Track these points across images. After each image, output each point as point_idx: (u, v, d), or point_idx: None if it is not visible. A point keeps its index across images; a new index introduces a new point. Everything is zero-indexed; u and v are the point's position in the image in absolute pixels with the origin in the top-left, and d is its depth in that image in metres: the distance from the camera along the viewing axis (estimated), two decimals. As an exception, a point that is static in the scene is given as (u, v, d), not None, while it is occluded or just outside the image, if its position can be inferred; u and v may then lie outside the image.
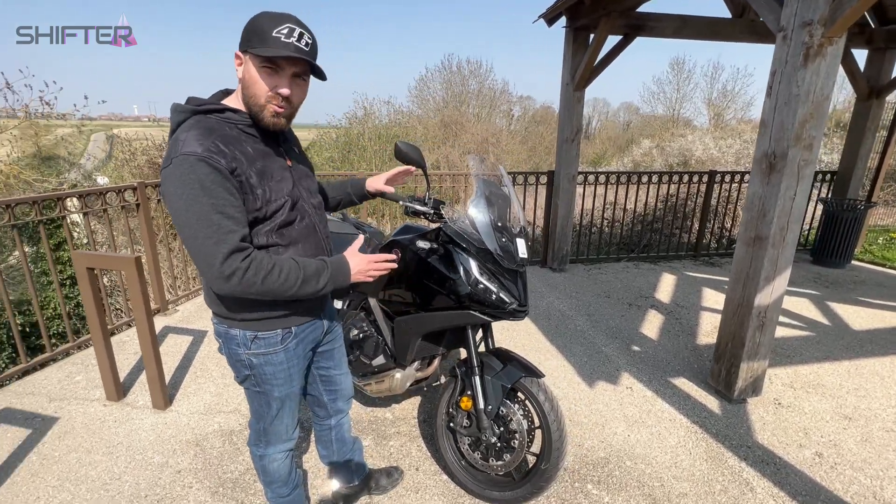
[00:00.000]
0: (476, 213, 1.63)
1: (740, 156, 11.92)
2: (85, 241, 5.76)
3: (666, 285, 4.45)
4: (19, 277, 6.20)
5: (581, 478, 1.99)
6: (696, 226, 5.43)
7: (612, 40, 4.18)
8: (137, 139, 8.73)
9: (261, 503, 1.82)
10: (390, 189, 1.67)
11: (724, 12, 4.50)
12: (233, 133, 1.11)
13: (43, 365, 2.82)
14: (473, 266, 1.64)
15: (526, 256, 1.68)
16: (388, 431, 2.26)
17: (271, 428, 1.40)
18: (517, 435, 1.73)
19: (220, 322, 1.25)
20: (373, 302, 2.09)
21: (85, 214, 3.00)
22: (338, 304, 2.26)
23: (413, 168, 1.64)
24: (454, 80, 21.11)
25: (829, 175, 5.38)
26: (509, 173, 4.70)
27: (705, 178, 5.14)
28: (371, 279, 1.29)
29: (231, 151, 1.07)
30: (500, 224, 1.66)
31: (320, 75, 1.15)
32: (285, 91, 1.10)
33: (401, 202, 1.72)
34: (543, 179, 4.78)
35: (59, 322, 5.36)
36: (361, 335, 2.09)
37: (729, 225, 5.99)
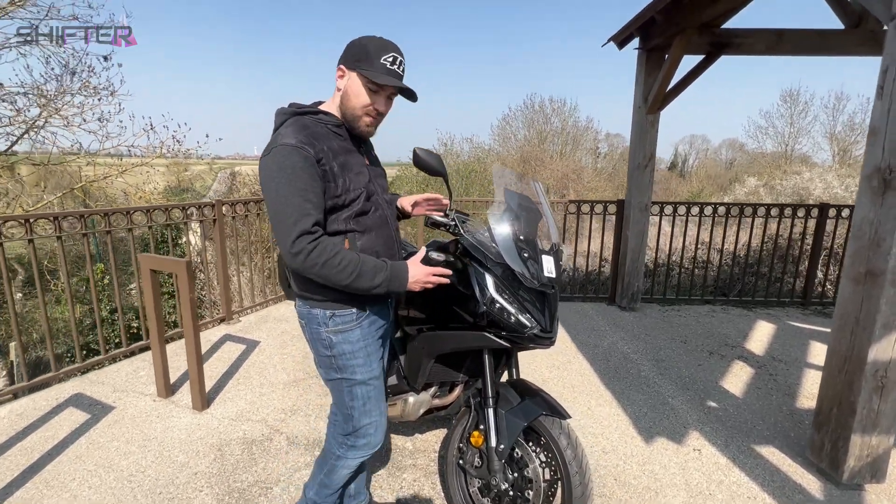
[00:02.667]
0: (495, 225, 1.49)
1: (871, 194, 10.12)
2: (196, 253, 6.63)
3: (761, 335, 3.76)
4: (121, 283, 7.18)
5: (618, 552, 1.63)
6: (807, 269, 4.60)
7: (693, 60, 3.85)
8: (242, 174, 9.96)
9: (260, 519, 1.75)
10: (409, 210, 1.66)
11: (833, 23, 3.92)
12: (322, 131, 1.27)
13: (127, 356, 3.14)
14: (489, 282, 1.47)
15: (554, 276, 1.49)
16: (405, 463, 2.09)
17: (359, 425, 1.41)
18: (532, 484, 1.48)
19: (303, 304, 1.37)
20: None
21: (168, 226, 3.38)
22: None
23: (445, 202, 1.64)
24: (536, 118, 21.20)
25: None
26: (572, 201, 4.44)
27: (814, 213, 4.38)
28: (427, 287, 1.36)
29: (319, 144, 1.22)
30: (523, 238, 1.50)
31: (412, 97, 1.32)
32: (382, 108, 1.31)
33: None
34: (612, 209, 4.43)
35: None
36: None
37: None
